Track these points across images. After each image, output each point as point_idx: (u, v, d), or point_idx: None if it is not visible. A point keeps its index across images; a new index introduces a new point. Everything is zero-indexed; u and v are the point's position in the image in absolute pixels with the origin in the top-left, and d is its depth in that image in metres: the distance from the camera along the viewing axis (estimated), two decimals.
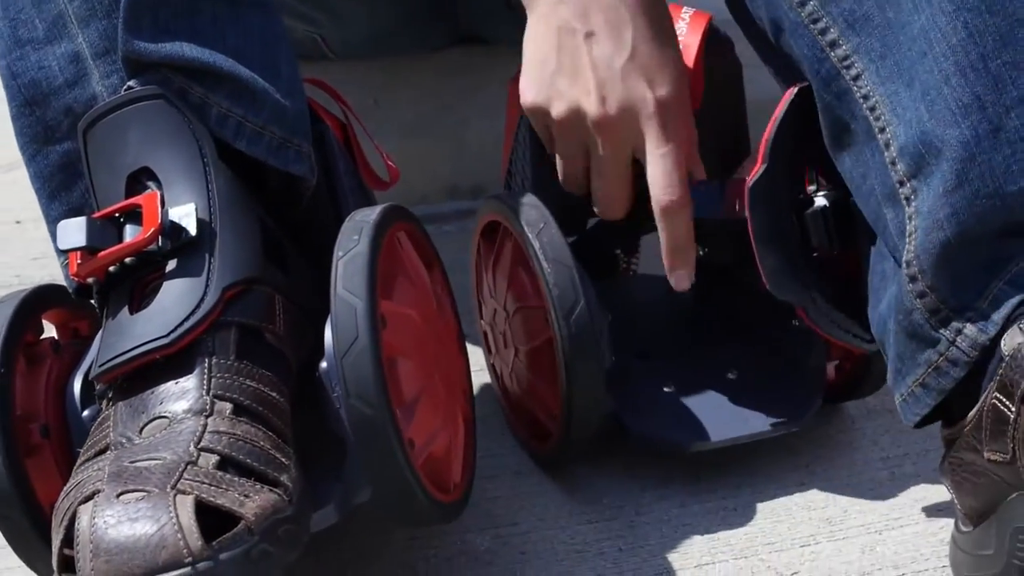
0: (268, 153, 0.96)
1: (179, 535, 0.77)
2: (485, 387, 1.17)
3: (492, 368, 1.14)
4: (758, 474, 1.07)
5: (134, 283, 0.92)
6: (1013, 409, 0.78)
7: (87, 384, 0.94)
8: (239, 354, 0.89)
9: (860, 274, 0.96)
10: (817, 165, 0.96)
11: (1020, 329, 0.81)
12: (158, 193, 0.92)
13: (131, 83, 0.95)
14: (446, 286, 1.02)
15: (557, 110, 1.00)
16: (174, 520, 0.77)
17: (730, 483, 1.07)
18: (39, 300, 0.96)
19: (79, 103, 0.97)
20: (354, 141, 1.04)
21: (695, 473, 1.08)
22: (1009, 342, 0.81)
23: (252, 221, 0.94)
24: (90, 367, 0.92)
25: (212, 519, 0.79)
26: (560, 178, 1.04)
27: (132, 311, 0.90)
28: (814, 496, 1.05)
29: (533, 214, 1.02)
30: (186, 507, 0.78)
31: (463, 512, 0.96)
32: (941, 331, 0.84)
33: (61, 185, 0.99)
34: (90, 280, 0.93)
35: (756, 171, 0.95)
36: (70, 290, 0.98)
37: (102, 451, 0.87)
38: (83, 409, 0.93)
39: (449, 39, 1.55)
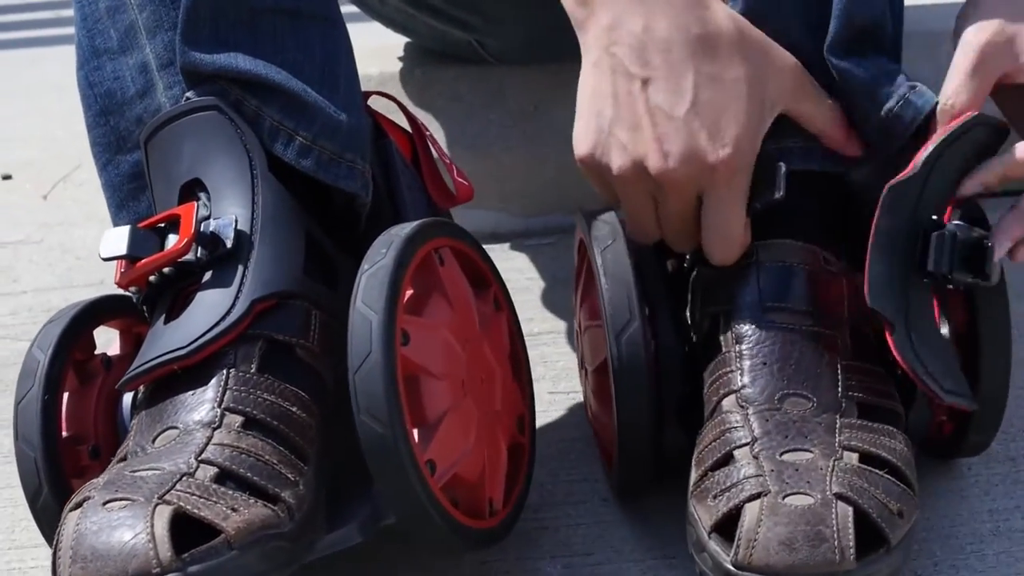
0: (318, 168, 0.95)
1: (150, 545, 0.76)
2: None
3: (583, 389, 1.10)
4: None
5: (175, 293, 0.92)
6: None
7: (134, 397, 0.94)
8: (262, 368, 0.88)
9: (970, 338, 0.93)
10: (971, 203, 0.93)
11: None
12: (195, 204, 0.92)
13: (189, 94, 0.95)
14: (504, 307, 0.99)
15: (616, 164, 0.92)
16: (148, 530, 0.76)
17: None
18: (90, 316, 0.97)
19: (148, 113, 0.98)
20: (423, 157, 1.02)
21: None
22: None
23: (296, 235, 0.92)
24: None
25: (205, 532, 0.78)
26: (628, 228, 0.98)
27: (167, 321, 0.90)
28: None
29: (604, 230, 0.98)
30: (163, 517, 0.77)
31: (504, 538, 0.93)
32: None
33: (130, 195, 1.00)
34: (132, 289, 0.93)
35: (904, 174, 0.90)
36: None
37: (122, 460, 0.87)
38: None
39: None
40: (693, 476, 0.89)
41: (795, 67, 0.93)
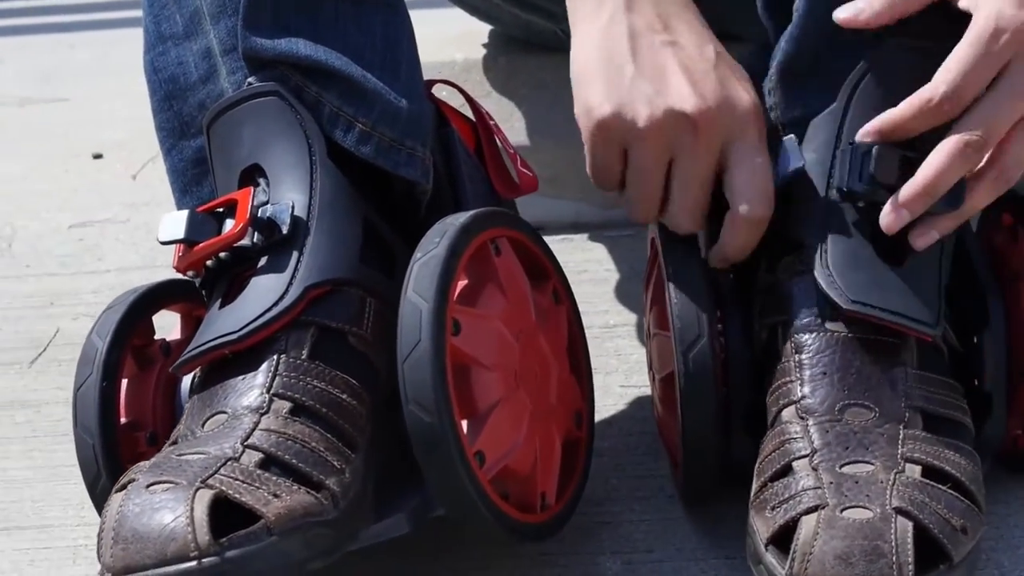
0: (377, 154, 0.94)
1: (189, 528, 0.76)
2: None
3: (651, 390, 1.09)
4: None
5: (232, 277, 0.92)
6: None
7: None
8: (313, 354, 0.88)
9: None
10: None
11: None
12: (251, 189, 0.92)
13: (250, 80, 0.95)
14: (565, 300, 0.98)
15: (645, 115, 0.90)
16: (188, 513, 0.77)
17: None
18: (149, 302, 0.97)
19: (211, 99, 0.98)
20: (487, 147, 1.01)
21: None
22: None
23: (354, 223, 0.92)
24: None
25: (248, 518, 0.79)
26: (632, 210, 0.96)
27: (222, 305, 0.90)
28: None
29: (676, 236, 0.95)
30: (203, 501, 0.77)
31: (556, 533, 0.92)
32: None
33: (193, 180, 1.00)
34: (190, 273, 0.93)
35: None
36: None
37: (173, 443, 0.87)
38: None
39: None
40: (754, 486, 0.88)
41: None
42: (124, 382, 0.95)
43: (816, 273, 0.91)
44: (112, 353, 0.93)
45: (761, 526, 0.84)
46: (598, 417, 1.13)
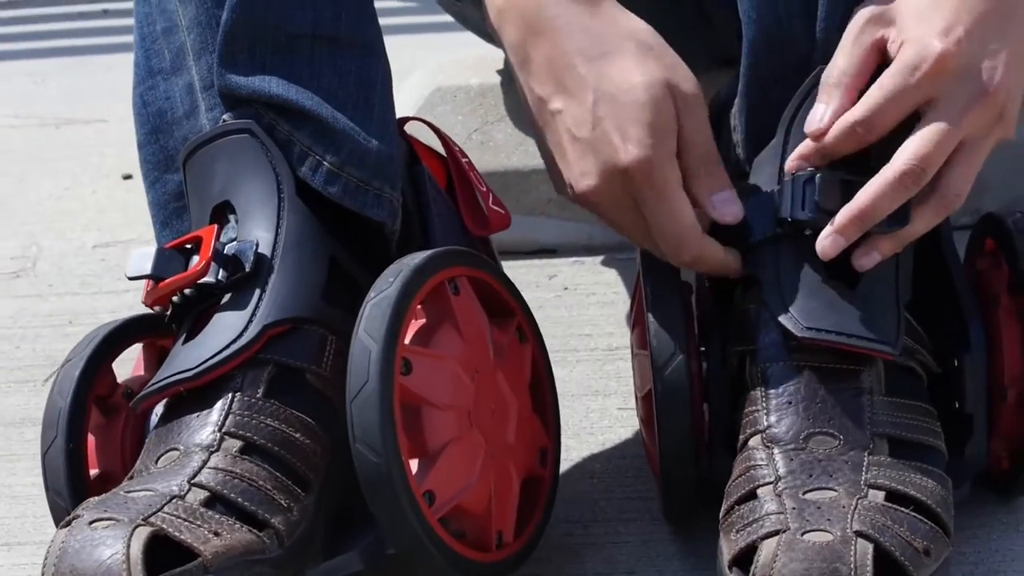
0: (344, 194, 0.95)
1: (124, 565, 0.77)
2: None
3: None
4: None
5: (198, 314, 0.93)
6: None
7: None
8: (269, 393, 0.89)
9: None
10: None
11: None
12: (214, 227, 0.93)
13: (226, 116, 0.96)
14: (530, 338, 0.98)
15: (571, 195, 0.95)
16: (125, 551, 0.78)
17: None
18: (108, 348, 0.97)
19: (192, 134, 0.99)
20: (458, 184, 1.02)
21: None
22: None
23: (319, 261, 0.93)
24: None
25: (190, 557, 0.80)
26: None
27: (186, 341, 0.92)
28: None
29: (655, 258, 0.96)
30: (140, 539, 0.79)
31: (514, 571, 0.93)
32: None
33: (174, 213, 1.02)
34: (157, 309, 0.95)
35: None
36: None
37: (130, 478, 0.89)
38: None
39: (708, 61, 1.48)
40: (723, 508, 0.89)
41: (697, 87, 0.94)
42: (91, 436, 0.96)
43: (770, 304, 0.92)
44: (75, 412, 0.94)
45: (726, 547, 0.85)
46: (593, 439, 1.16)
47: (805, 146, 0.91)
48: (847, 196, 0.89)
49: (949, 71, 0.87)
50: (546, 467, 0.97)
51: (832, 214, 0.89)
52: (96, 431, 0.96)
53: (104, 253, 1.58)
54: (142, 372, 1.00)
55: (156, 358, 1.00)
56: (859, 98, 0.90)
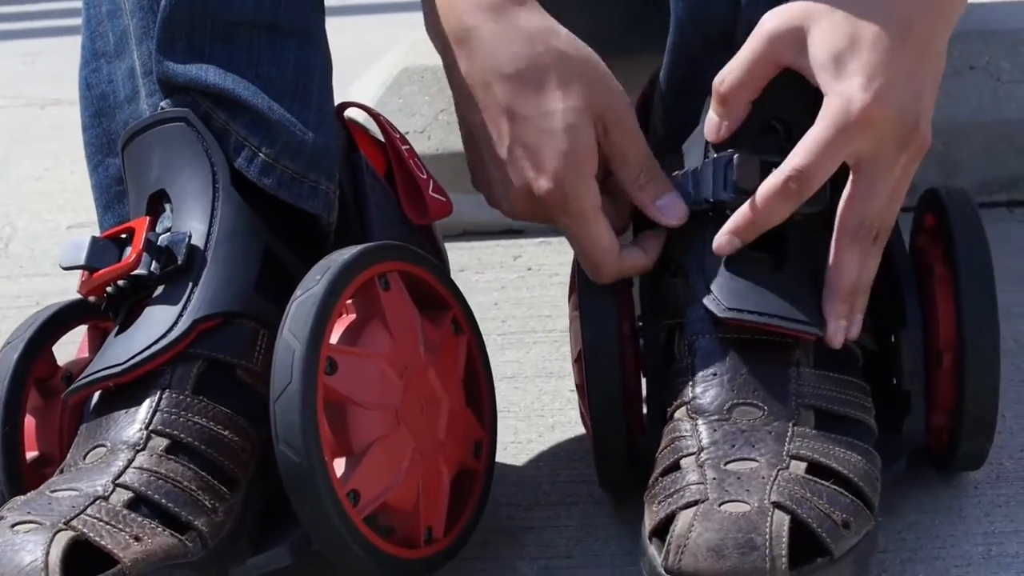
0: (279, 186, 0.94)
1: (43, 572, 0.77)
2: None
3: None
4: None
5: (132, 305, 0.93)
6: None
7: None
8: (197, 389, 0.89)
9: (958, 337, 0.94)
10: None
11: None
12: (146, 218, 0.92)
13: (164, 104, 0.96)
14: (466, 330, 0.97)
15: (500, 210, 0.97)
16: (43, 557, 0.77)
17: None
18: (51, 329, 0.97)
19: (133, 119, 0.98)
20: (398, 172, 1.01)
21: None
22: None
23: (252, 253, 0.93)
24: None
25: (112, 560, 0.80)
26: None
27: (118, 333, 0.91)
28: (890, 567, 0.95)
29: None
30: (60, 544, 0.78)
31: (445, 565, 0.93)
32: None
33: (115, 198, 1.01)
34: (93, 299, 0.94)
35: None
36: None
37: (60, 471, 0.88)
38: None
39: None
40: (650, 480, 0.89)
41: (625, 101, 0.93)
42: (30, 418, 0.95)
43: (695, 284, 0.92)
44: (11, 396, 0.93)
45: (647, 518, 0.85)
46: (543, 421, 1.16)
47: (735, 223, 0.90)
48: (765, 176, 0.89)
49: (874, 123, 0.87)
50: (480, 460, 0.97)
51: (750, 194, 0.89)
52: (35, 413, 0.96)
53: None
54: (86, 354, 1.00)
55: (99, 340, 0.99)
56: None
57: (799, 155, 0.87)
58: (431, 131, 1.47)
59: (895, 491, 0.99)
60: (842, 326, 0.91)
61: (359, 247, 0.89)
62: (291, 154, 0.94)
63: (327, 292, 0.85)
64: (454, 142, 1.46)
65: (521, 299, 1.35)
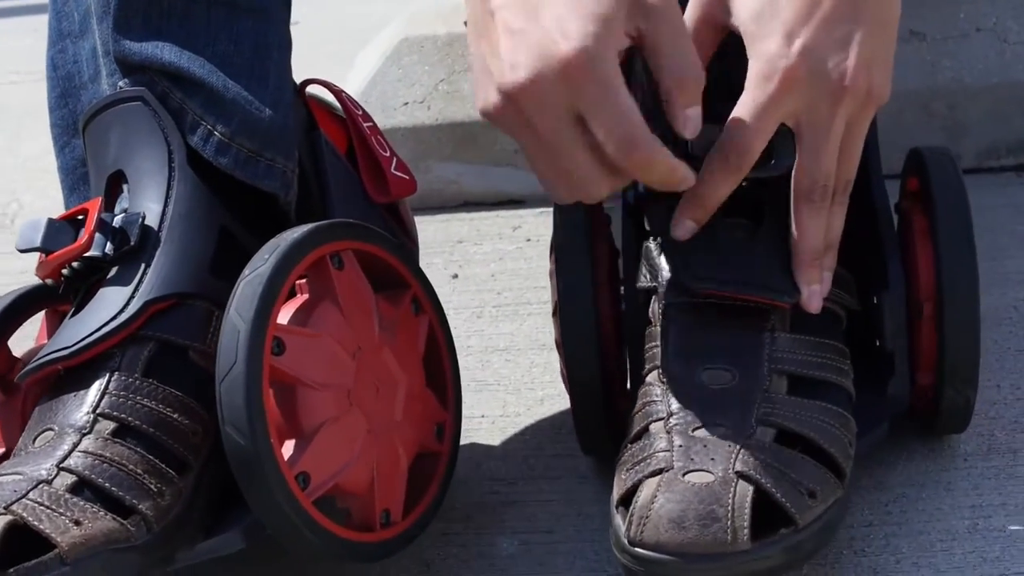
0: (235, 165, 0.93)
1: None
2: None
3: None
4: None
5: (87, 287, 0.92)
6: None
7: None
8: (147, 371, 0.88)
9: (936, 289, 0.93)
10: None
11: None
12: (100, 200, 0.91)
13: (122, 83, 0.95)
14: (427, 309, 0.96)
15: (482, 103, 0.84)
16: None
17: None
18: (8, 319, 0.97)
19: (96, 98, 0.97)
20: (359, 150, 0.99)
21: None
22: None
23: (208, 233, 0.91)
24: None
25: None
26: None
27: (73, 315, 0.91)
28: (873, 541, 0.92)
29: None
30: None
31: (404, 548, 0.91)
32: None
33: (80, 179, 1.00)
34: (50, 281, 0.94)
35: None
36: None
37: (14, 456, 0.88)
38: None
39: None
40: (622, 445, 0.89)
41: None
42: None
43: (668, 254, 0.91)
44: None
45: (616, 486, 0.85)
46: (532, 395, 1.15)
47: (691, 207, 0.88)
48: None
49: (799, 82, 0.84)
50: (443, 442, 0.95)
51: (701, 160, 0.86)
52: None
53: None
54: (45, 340, 0.99)
55: (58, 325, 0.99)
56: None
57: (732, 126, 0.85)
58: (431, 101, 1.45)
59: (883, 462, 0.98)
60: (815, 290, 0.89)
61: (310, 225, 0.88)
62: (247, 132, 0.93)
63: (274, 271, 0.84)
64: (454, 112, 1.44)
65: (518, 270, 1.33)
